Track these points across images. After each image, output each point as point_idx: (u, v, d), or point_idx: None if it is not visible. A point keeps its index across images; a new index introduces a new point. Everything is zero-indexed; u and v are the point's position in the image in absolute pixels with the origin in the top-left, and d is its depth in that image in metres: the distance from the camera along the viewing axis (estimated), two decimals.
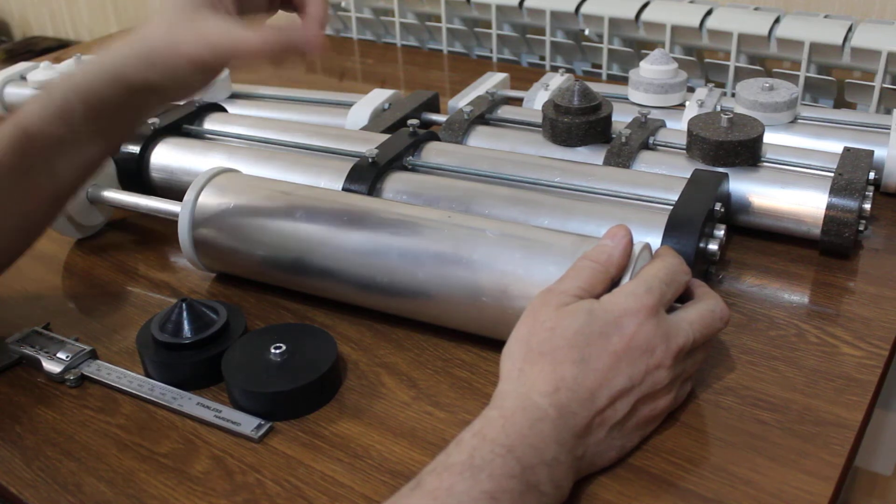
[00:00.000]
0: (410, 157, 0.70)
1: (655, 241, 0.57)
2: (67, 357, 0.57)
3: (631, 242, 0.50)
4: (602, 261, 0.49)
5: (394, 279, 0.56)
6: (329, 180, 0.67)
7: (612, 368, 0.45)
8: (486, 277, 0.53)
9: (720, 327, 0.50)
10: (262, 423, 0.51)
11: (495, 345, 0.57)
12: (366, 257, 0.57)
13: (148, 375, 0.56)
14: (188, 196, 0.62)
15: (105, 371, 0.56)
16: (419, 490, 0.40)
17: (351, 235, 0.58)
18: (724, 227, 0.61)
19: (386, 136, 0.72)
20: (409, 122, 0.73)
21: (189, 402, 0.53)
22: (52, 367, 0.57)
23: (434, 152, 0.71)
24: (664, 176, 0.65)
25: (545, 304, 0.47)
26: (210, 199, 0.62)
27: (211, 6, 0.52)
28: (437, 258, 0.55)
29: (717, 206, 0.60)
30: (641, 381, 0.46)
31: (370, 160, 0.67)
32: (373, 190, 0.66)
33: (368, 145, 0.70)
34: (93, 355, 0.58)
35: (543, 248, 0.53)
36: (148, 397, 0.54)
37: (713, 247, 0.59)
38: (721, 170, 0.66)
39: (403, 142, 0.71)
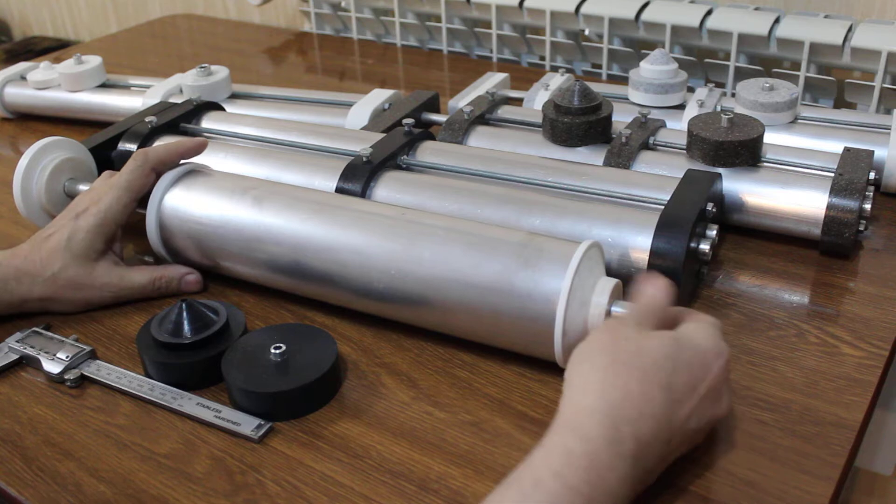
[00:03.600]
0: (405, 157, 0.70)
1: (646, 240, 0.57)
2: (67, 357, 0.57)
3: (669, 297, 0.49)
4: (655, 309, 0.48)
5: (348, 275, 0.57)
6: (323, 179, 0.68)
7: (693, 408, 0.43)
8: (435, 274, 0.54)
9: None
10: (262, 423, 0.51)
11: (495, 346, 0.57)
12: (320, 253, 0.58)
13: (148, 375, 0.56)
14: (154, 195, 0.64)
15: (105, 371, 0.56)
16: None
17: (305, 230, 0.59)
18: (716, 227, 0.61)
19: (382, 136, 0.72)
20: (405, 121, 0.73)
21: (189, 403, 0.53)
22: (52, 367, 0.57)
23: (429, 152, 0.71)
24: (657, 176, 0.65)
25: (623, 324, 0.46)
26: (176, 198, 0.64)
27: (106, 252, 0.63)
28: (388, 254, 0.56)
29: (710, 207, 0.60)
30: (706, 424, 0.45)
31: (364, 159, 0.67)
32: (366, 189, 0.66)
33: (364, 144, 0.70)
34: (92, 355, 0.58)
35: (492, 244, 0.54)
36: (148, 397, 0.54)
37: (705, 247, 0.59)
38: (719, 170, 0.66)
39: (398, 141, 0.71)
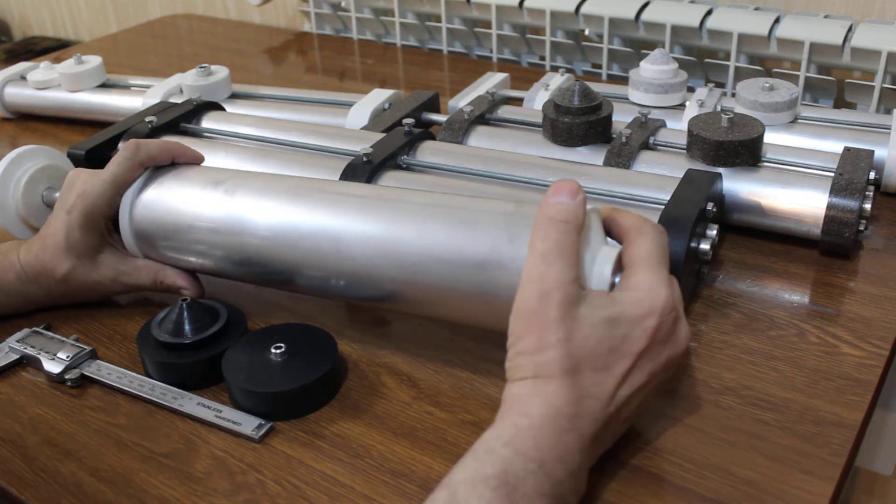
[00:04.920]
0: (405, 156, 0.70)
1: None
2: (68, 357, 0.57)
3: (585, 198, 0.46)
4: (573, 221, 0.45)
5: (324, 263, 0.54)
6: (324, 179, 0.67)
7: (633, 368, 0.44)
8: (417, 254, 0.51)
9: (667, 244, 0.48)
10: (263, 423, 0.51)
11: (496, 345, 0.57)
12: (295, 240, 0.55)
13: (148, 375, 0.56)
14: (125, 197, 0.60)
15: (105, 371, 0.56)
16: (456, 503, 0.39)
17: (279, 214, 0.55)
18: (716, 226, 0.61)
19: (382, 136, 0.73)
20: (405, 121, 0.73)
21: (190, 402, 0.53)
22: (52, 367, 0.57)
23: (429, 151, 0.71)
24: (657, 176, 0.65)
25: (548, 304, 0.43)
26: (150, 194, 0.60)
27: (104, 244, 0.62)
28: (367, 237, 0.52)
29: (710, 206, 0.60)
30: (662, 367, 0.45)
31: (364, 159, 0.67)
32: None
33: (364, 144, 0.70)
34: (93, 355, 0.58)
35: (477, 217, 0.50)
36: (148, 397, 0.54)
37: (705, 246, 0.59)
38: (719, 170, 0.66)
39: (398, 141, 0.71)
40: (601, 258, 0.47)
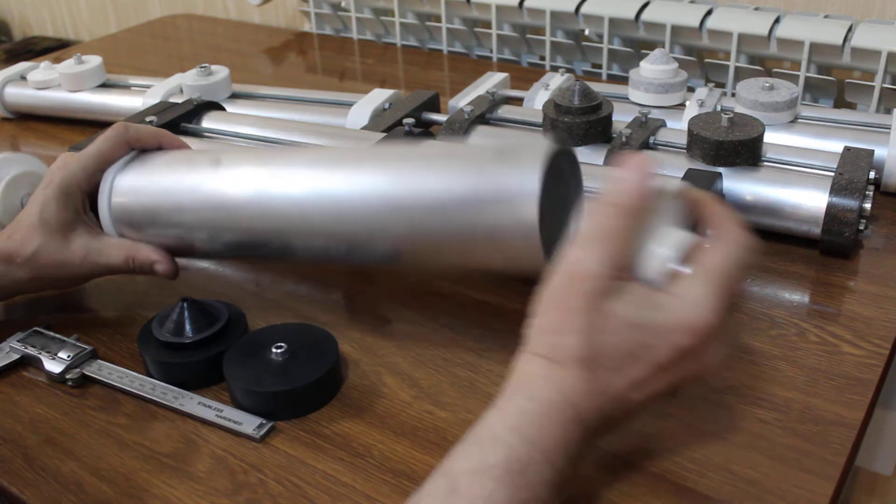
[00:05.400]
0: None
1: None
2: (68, 357, 0.57)
3: (649, 180, 0.41)
4: (627, 205, 0.41)
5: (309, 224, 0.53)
6: None
7: (650, 378, 0.41)
8: (400, 196, 0.50)
9: (752, 264, 0.42)
10: (264, 422, 0.51)
11: (495, 345, 0.57)
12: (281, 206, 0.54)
13: (149, 375, 0.56)
14: (107, 173, 0.60)
15: (106, 371, 0.56)
16: (457, 496, 0.38)
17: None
18: None
19: (383, 136, 0.72)
20: (405, 121, 0.73)
21: (190, 402, 0.53)
22: (53, 366, 0.57)
23: None
24: (658, 176, 0.65)
25: (575, 292, 0.40)
26: (129, 180, 0.60)
27: (77, 220, 0.60)
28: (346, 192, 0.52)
29: None
30: (681, 380, 0.41)
31: None
32: None
33: (364, 145, 0.70)
34: (94, 355, 0.58)
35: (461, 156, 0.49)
36: (149, 397, 0.54)
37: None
38: (720, 169, 0.66)
39: (398, 141, 0.71)
40: (665, 239, 0.42)
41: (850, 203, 0.63)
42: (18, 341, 0.59)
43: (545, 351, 0.41)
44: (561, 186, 0.50)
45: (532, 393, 0.41)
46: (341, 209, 0.52)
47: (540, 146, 0.48)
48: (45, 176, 0.61)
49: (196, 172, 0.57)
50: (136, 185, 0.59)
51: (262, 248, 0.57)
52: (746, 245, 0.42)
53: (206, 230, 0.57)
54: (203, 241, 0.58)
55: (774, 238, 0.68)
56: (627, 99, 0.84)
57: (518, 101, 0.89)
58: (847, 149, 0.68)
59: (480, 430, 0.40)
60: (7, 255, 0.59)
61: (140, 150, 0.62)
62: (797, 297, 0.62)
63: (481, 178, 0.48)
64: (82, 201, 0.60)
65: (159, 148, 0.62)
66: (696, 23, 0.96)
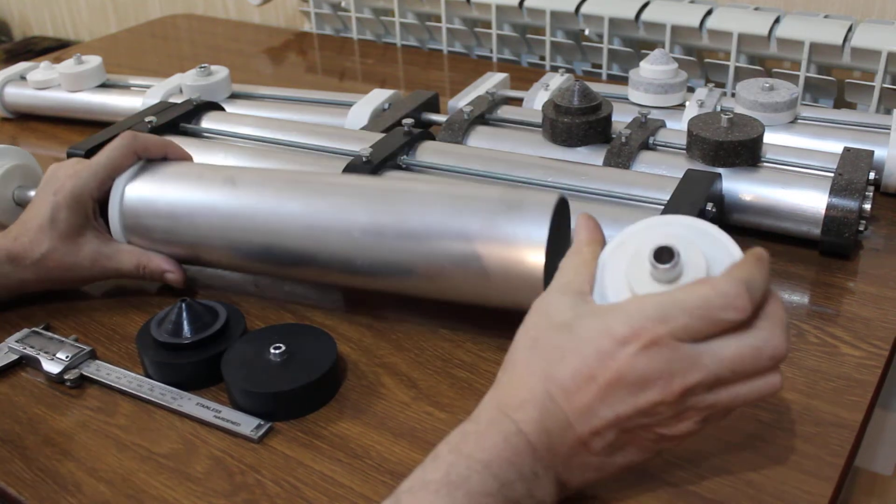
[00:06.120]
0: (405, 157, 0.70)
1: None
2: (67, 357, 0.57)
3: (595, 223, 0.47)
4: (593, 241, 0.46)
5: (325, 246, 0.56)
6: None
7: (596, 399, 0.40)
8: (415, 232, 0.54)
9: (767, 367, 0.40)
10: (262, 423, 0.51)
11: (495, 345, 0.57)
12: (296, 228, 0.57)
13: (147, 375, 0.56)
14: (118, 181, 0.62)
15: (105, 371, 0.56)
16: None
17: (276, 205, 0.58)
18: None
19: (382, 136, 0.72)
20: (405, 121, 0.73)
21: (189, 403, 0.53)
22: (51, 367, 0.56)
23: (429, 151, 0.71)
24: (657, 176, 0.65)
25: (537, 309, 0.44)
26: (139, 189, 0.62)
27: (88, 226, 0.62)
28: (367, 221, 0.56)
29: (709, 207, 0.60)
30: (631, 416, 0.40)
31: (364, 159, 0.67)
32: None
33: (364, 144, 0.70)
34: (92, 355, 0.58)
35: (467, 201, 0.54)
36: (147, 397, 0.54)
37: None
38: (719, 170, 0.66)
39: (398, 141, 0.71)
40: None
41: (850, 204, 0.63)
42: (17, 342, 0.59)
43: (495, 391, 0.44)
44: (556, 234, 0.54)
45: (474, 417, 0.43)
46: (355, 242, 0.56)
47: (547, 198, 0.53)
48: (50, 181, 0.62)
49: (211, 190, 0.60)
50: (147, 196, 0.62)
51: (275, 270, 0.61)
52: (726, 295, 0.39)
53: (220, 247, 0.60)
54: (214, 255, 0.61)
55: (774, 239, 0.68)
56: (627, 99, 0.84)
57: (518, 102, 0.89)
58: (847, 149, 0.68)
59: (427, 456, 0.41)
60: (13, 257, 0.60)
61: (147, 159, 0.64)
62: (796, 297, 0.62)
63: (493, 223, 0.53)
64: (93, 209, 0.62)
65: (164, 158, 0.65)
66: (696, 23, 0.96)
